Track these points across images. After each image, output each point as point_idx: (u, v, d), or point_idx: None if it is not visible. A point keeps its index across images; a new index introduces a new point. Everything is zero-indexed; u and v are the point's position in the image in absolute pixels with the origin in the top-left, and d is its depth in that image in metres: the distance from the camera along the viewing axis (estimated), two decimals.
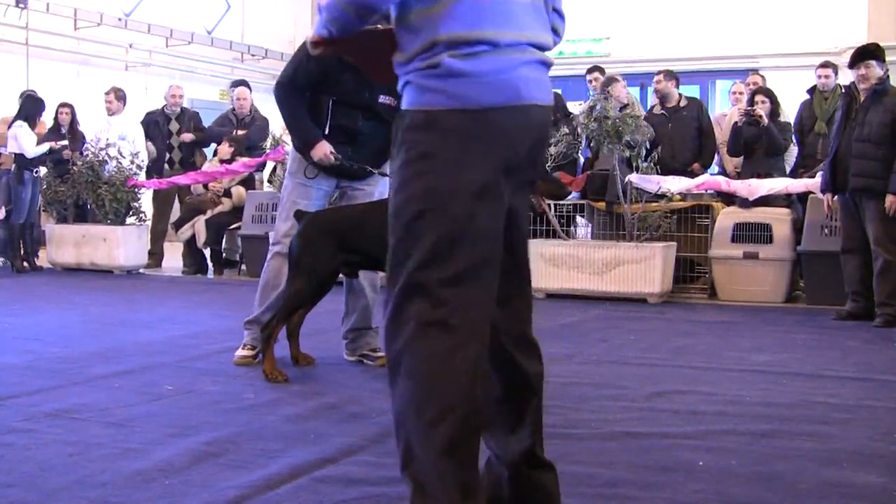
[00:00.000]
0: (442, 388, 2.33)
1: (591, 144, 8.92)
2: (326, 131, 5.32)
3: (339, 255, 4.95)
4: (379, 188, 5.53)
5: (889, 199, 7.19)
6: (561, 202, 8.94)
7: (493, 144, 2.43)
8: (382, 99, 5.33)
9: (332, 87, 5.25)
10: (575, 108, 11.15)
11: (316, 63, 5.02)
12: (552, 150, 8.54)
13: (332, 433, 3.80)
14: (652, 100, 11.54)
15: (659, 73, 10.48)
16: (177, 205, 11.96)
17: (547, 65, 2.56)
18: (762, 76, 10.94)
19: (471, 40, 2.40)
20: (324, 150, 5.26)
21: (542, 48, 2.55)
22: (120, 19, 15.84)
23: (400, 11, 2.46)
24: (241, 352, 5.49)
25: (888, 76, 7.45)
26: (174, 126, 11.97)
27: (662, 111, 10.20)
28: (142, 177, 11.45)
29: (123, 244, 11.15)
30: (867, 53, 7.45)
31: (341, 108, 5.31)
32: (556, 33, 2.70)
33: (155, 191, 11.69)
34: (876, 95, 7.36)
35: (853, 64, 7.54)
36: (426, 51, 2.43)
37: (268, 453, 3.49)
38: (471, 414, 2.34)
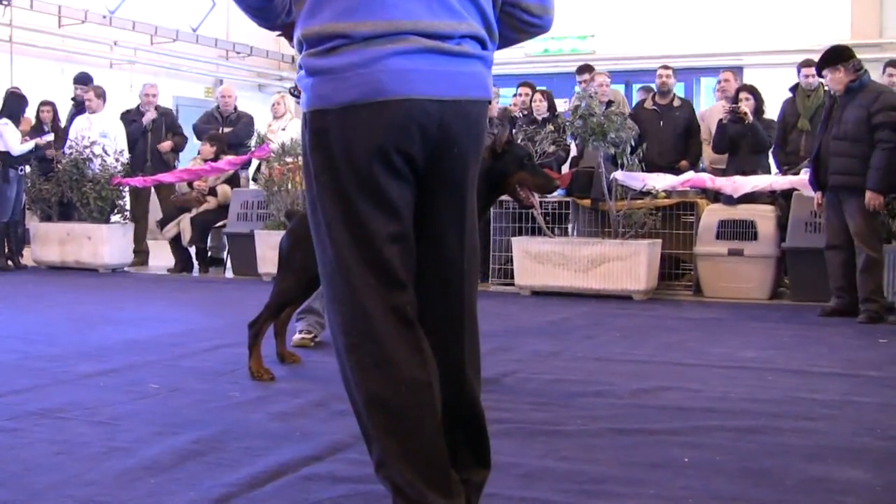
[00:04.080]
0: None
1: (577, 142, 8.93)
2: None
3: None
4: None
5: (868, 194, 7.23)
6: (547, 199, 8.94)
7: (358, 144, 2.33)
8: None
9: None
10: (561, 105, 11.18)
11: None
12: (539, 148, 8.52)
13: (319, 431, 3.80)
14: (639, 95, 11.56)
15: (664, 67, 10.52)
16: (156, 203, 11.90)
17: (452, 53, 2.37)
18: (733, 73, 10.92)
19: (325, 35, 2.32)
20: None
21: (442, 36, 2.35)
22: (104, 16, 15.78)
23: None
24: (297, 336, 5.83)
25: (863, 72, 7.47)
26: (148, 124, 11.87)
27: (654, 107, 10.23)
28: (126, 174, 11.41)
29: (108, 242, 11.11)
30: (828, 61, 7.49)
31: None
32: (519, 19, 2.58)
33: (132, 189, 11.61)
34: (850, 94, 7.40)
35: (819, 72, 7.70)
36: (299, 51, 2.41)
37: (254, 451, 3.49)
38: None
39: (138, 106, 12.07)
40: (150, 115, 11.79)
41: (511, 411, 4.15)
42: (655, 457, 3.47)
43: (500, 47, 2.62)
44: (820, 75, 7.83)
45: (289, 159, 9.75)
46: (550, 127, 9.32)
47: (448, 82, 2.36)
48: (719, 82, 10.75)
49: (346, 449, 3.51)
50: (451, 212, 2.51)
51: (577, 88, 10.81)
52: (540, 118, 10.14)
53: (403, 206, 2.41)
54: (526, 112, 10.49)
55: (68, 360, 5.40)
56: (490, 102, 2.60)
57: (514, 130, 9.01)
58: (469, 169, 2.51)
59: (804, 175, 8.20)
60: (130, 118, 11.92)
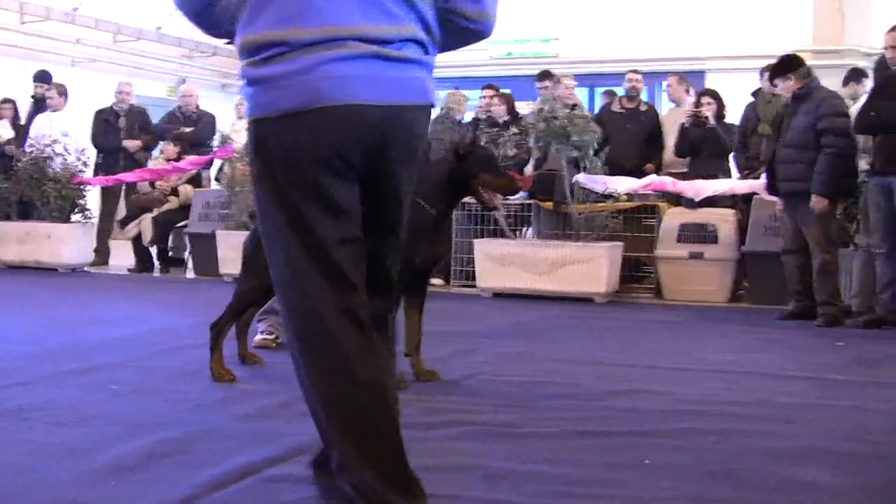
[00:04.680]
0: None
1: (540, 144, 8.98)
2: None
3: None
4: None
5: (813, 198, 7.33)
6: (509, 202, 8.97)
7: (299, 151, 2.33)
8: None
9: None
10: (524, 108, 11.21)
11: None
12: (501, 151, 8.56)
13: (283, 432, 3.79)
14: (602, 99, 11.62)
15: (671, 76, 10.59)
16: (123, 202, 11.85)
17: (392, 58, 2.36)
18: (680, 77, 10.92)
19: (262, 44, 2.31)
20: None
21: (382, 41, 2.34)
22: (67, 14, 15.64)
23: None
24: (259, 337, 5.79)
25: (811, 79, 7.57)
26: (122, 123, 11.84)
27: (622, 110, 10.30)
28: (88, 173, 11.33)
29: (68, 242, 11.01)
30: (778, 70, 7.64)
31: None
32: (458, 25, 2.57)
33: (103, 188, 11.57)
34: (798, 101, 7.51)
35: (770, 81, 7.94)
36: (241, 59, 2.40)
37: (218, 452, 3.47)
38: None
39: (112, 105, 11.99)
40: (132, 145, 11.72)
41: (474, 413, 4.17)
42: (621, 458, 3.49)
43: (442, 51, 2.62)
44: (772, 84, 7.97)
45: None
46: (514, 129, 9.35)
47: (388, 88, 2.36)
48: (667, 87, 10.84)
49: (311, 451, 3.49)
50: (388, 218, 2.54)
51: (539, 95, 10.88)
52: (500, 121, 10.18)
53: (351, 207, 2.42)
54: (488, 114, 10.53)
55: (31, 360, 5.33)
56: (432, 107, 2.58)
57: (477, 132, 9.04)
58: (405, 174, 2.52)
59: (764, 179, 8.29)
60: (103, 117, 11.85)
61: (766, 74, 9.78)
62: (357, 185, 2.43)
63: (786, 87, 7.53)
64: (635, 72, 10.56)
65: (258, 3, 2.33)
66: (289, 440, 3.64)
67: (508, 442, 3.70)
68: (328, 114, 2.30)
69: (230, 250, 9.38)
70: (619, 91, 11.00)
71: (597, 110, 11.51)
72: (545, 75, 11.03)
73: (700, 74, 15.18)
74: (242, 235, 8.48)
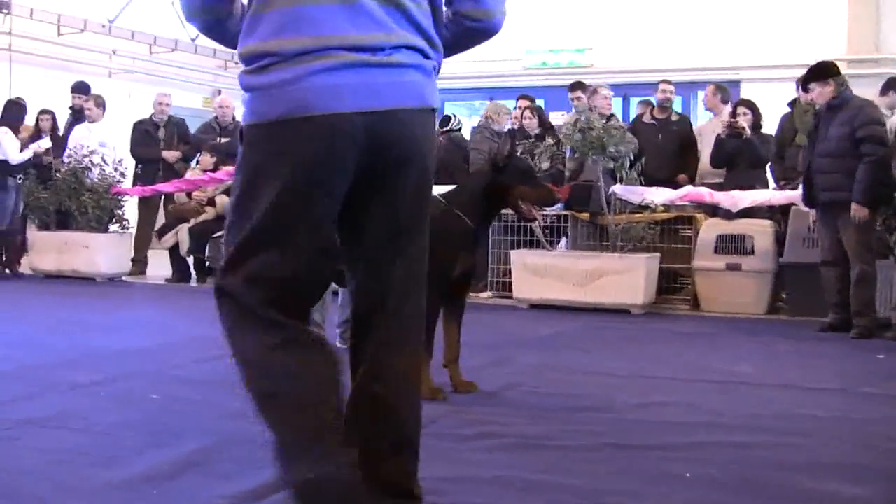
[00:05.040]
0: None
1: (576, 155, 8.94)
2: None
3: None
4: None
5: (854, 207, 7.27)
6: (546, 213, 8.94)
7: (288, 158, 2.36)
8: None
9: None
10: (557, 118, 11.20)
11: None
12: (537, 162, 8.53)
13: None
14: (638, 109, 11.57)
15: (708, 86, 10.55)
16: (162, 212, 11.93)
17: (382, 65, 2.38)
18: (717, 87, 10.80)
19: (257, 54, 2.37)
20: None
21: (371, 48, 2.37)
22: (104, 26, 15.77)
23: None
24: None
25: (845, 88, 7.51)
26: (161, 133, 11.94)
27: (653, 121, 10.25)
28: (126, 184, 11.42)
29: (105, 251, 11.10)
30: (817, 75, 7.56)
31: None
32: (465, 27, 2.63)
33: (140, 198, 11.66)
34: (832, 110, 7.45)
35: (805, 86, 7.83)
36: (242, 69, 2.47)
37: (254, 463, 3.44)
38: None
39: (151, 115, 12.10)
40: (171, 156, 11.82)
41: (510, 425, 4.15)
42: (655, 471, 3.47)
43: (454, 53, 2.69)
44: (805, 90, 7.90)
45: None
46: (549, 140, 9.33)
47: (376, 94, 2.38)
48: (704, 97, 10.77)
49: None
50: (401, 219, 2.54)
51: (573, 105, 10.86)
52: (532, 133, 10.15)
53: (322, 222, 2.44)
54: (521, 126, 10.52)
55: (64, 368, 5.37)
56: (433, 110, 2.56)
57: (515, 143, 9.02)
58: (415, 174, 2.52)
59: (801, 190, 8.22)
60: (144, 127, 11.95)
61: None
62: (339, 203, 2.45)
63: (823, 92, 7.46)
64: (667, 82, 10.50)
65: (255, 15, 2.39)
66: None
67: (544, 454, 3.68)
68: (314, 122, 2.34)
69: None
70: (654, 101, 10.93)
71: (632, 120, 11.45)
72: (577, 86, 11.01)
73: (735, 84, 15.05)
74: None
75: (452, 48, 2.68)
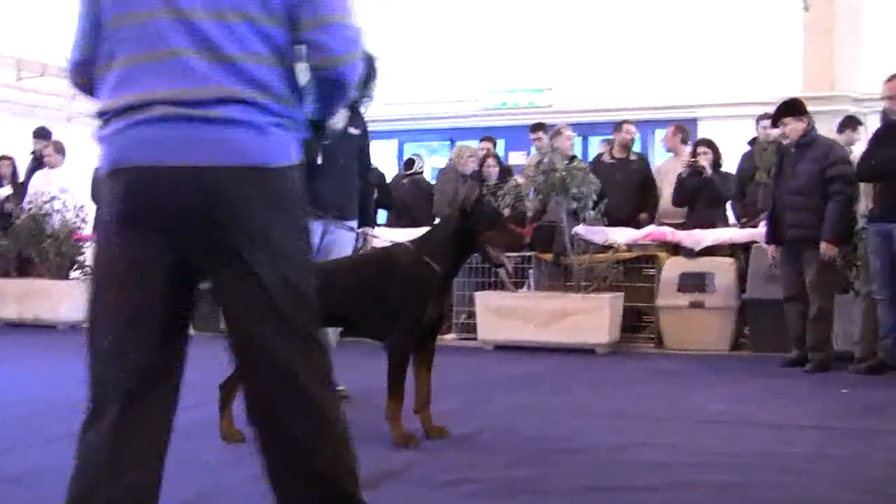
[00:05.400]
0: None
1: (539, 197, 9.01)
2: (319, 161, 5.39)
3: None
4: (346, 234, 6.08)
5: (823, 245, 7.42)
6: (509, 255, 8.96)
7: (116, 208, 2.38)
8: (351, 129, 5.97)
9: None
10: (518, 158, 11.28)
11: None
12: (500, 203, 8.58)
13: None
14: (600, 148, 11.67)
15: (669, 126, 10.71)
16: None
17: (202, 119, 2.31)
18: (678, 127, 10.93)
19: (101, 111, 2.42)
20: None
21: (191, 102, 2.31)
22: (62, 69, 15.68)
23: None
24: None
25: (812, 127, 7.69)
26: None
27: (612, 160, 10.34)
28: (88, 230, 11.35)
29: (68, 298, 10.96)
30: (784, 112, 7.71)
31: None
32: (316, 67, 2.44)
33: None
34: (800, 148, 7.58)
35: (774, 123, 7.92)
36: None
37: None
38: None
39: None
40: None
41: (486, 469, 4.17)
42: None
43: (328, 104, 2.56)
44: (775, 125, 7.99)
45: None
46: (513, 181, 9.40)
47: (191, 149, 2.31)
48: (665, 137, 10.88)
49: None
50: (239, 288, 2.41)
51: (533, 146, 10.95)
52: (492, 182, 10.16)
53: (134, 279, 2.41)
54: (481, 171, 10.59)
55: (38, 419, 5.31)
56: (265, 169, 2.36)
57: (482, 188, 9.08)
58: (245, 239, 2.36)
59: (763, 228, 8.33)
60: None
61: (763, 122, 9.89)
62: (156, 258, 2.40)
63: (796, 128, 7.58)
64: (629, 122, 10.62)
65: (101, 77, 2.44)
66: None
67: (524, 499, 3.69)
68: (125, 174, 2.35)
69: None
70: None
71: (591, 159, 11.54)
72: (538, 127, 11.11)
73: (692, 122, 15.24)
74: None
75: (320, 100, 2.54)
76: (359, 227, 6.37)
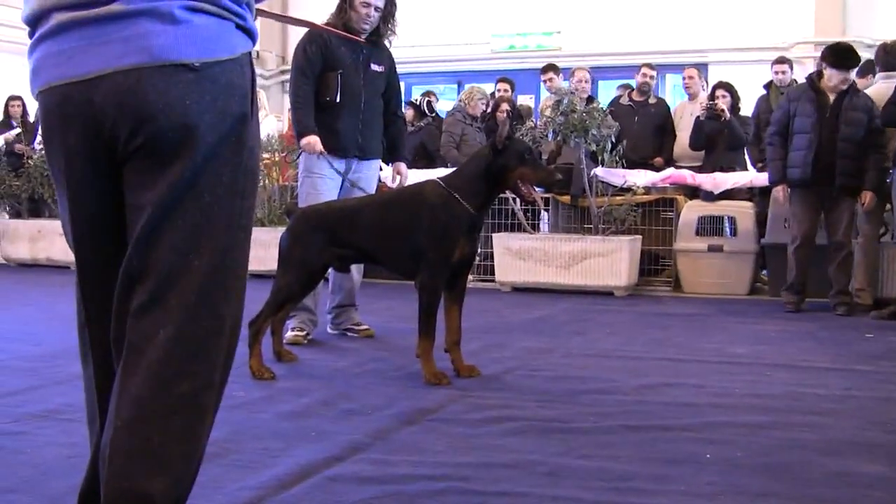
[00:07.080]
0: None
1: (558, 138, 8.94)
2: (338, 99, 5.85)
3: (329, 249, 4.94)
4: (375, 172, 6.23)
5: (869, 196, 7.48)
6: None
7: (44, 135, 2.16)
8: (374, 66, 5.98)
9: (334, 60, 5.85)
10: (526, 101, 11.19)
11: (312, 43, 5.82)
12: None
13: (332, 430, 3.76)
14: (618, 91, 11.58)
15: (688, 68, 10.68)
16: None
17: (97, 20, 1.95)
18: (697, 70, 10.84)
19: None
20: (311, 143, 5.81)
21: (84, 4, 1.96)
22: None
23: None
24: (290, 333, 5.82)
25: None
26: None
27: (630, 103, 10.26)
28: None
29: None
30: (853, 64, 7.67)
31: (347, 79, 5.86)
32: None
33: None
34: (849, 96, 7.50)
35: (844, 65, 7.54)
36: None
37: (271, 452, 3.44)
38: None
39: None
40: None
41: (518, 409, 4.14)
42: (675, 453, 3.47)
43: None
44: (839, 68, 7.55)
45: (265, 155, 9.69)
46: (529, 123, 9.32)
47: (88, 57, 1.96)
48: (684, 79, 10.76)
49: (367, 449, 3.48)
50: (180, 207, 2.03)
51: (543, 87, 10.84)
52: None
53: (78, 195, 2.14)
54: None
55: (58, 359, 5.27)
56: (185, 65, 1.96)
57: (514, 125, 8.99)
58: (185, 151, 2.00)
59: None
60: None
61: (776, 67, 9.80)
62: (97, 181, 2.09)
63: (847, 78, 7.56)
64: (649, 66, 10.52)
65: None
66: (341, 439, 3.61)
67: (559, 438, 3.67)
68: (42, 98, 2.08)
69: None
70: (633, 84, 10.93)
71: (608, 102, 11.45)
72: (549, 68, 11.01)
73: (703, 67, 15.12)
74: (262, 232, 8.46)
75: None
76: (391, 164, 6.36)
